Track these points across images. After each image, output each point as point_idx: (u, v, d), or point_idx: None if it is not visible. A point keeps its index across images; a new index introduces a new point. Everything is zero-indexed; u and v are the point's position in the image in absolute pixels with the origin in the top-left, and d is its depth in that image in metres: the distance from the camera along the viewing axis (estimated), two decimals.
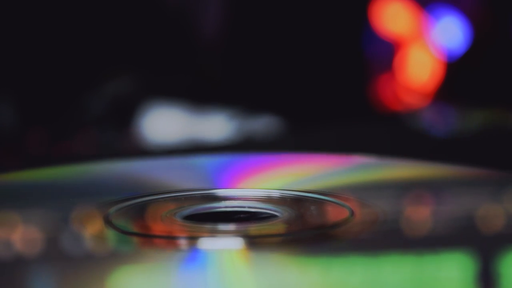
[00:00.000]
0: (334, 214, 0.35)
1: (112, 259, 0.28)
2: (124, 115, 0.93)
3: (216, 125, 0.90)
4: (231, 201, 0.37)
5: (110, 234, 0.31)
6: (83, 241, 0.30)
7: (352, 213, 0.34)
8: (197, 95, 0.96)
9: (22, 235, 0.30)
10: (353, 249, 0.28)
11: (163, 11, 1.02)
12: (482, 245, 0.28)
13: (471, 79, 1.03)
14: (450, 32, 1.05)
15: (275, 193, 0.38)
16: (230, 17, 1.03)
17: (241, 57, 1.02)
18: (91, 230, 0.31)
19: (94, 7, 0.98)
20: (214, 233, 0.33)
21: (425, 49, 1.05)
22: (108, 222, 0.34)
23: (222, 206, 0.37)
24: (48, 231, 0.30)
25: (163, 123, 0.91)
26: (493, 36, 1.04)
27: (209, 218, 0.36)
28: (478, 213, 0.32)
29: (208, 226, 0.33)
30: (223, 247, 0.31)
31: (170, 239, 0.32)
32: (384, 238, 0.30)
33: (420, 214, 0.33)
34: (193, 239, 0.32)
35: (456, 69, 1.05)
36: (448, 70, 1.05)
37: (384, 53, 1.04)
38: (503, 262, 0.26)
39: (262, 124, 0.90)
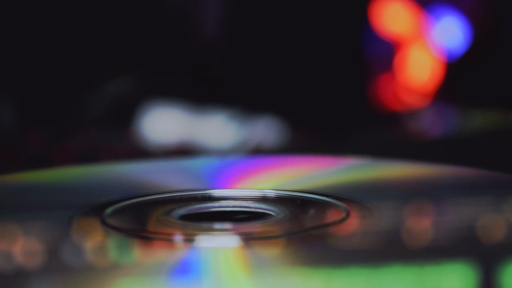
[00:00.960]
0: (330, 213, 0.35)
1: (112, 270, 0.28)
2: (124, 115, 0.93)
3: (216, 126, 0.90)
4: (226, 201, 0.37)
5: (110, 243, 0.31)
6: (84, 252, 0.29)
7: (348, 213, 0.34)
8: (197, 95, 0.96)
9: (22, 245, 0.30)
10: (353, 259, 0.28)
11: (163, 11, 1.02)
12: (484, 255, 0.28)
13: (471, 79, 1.03)
14: (450, 32, 1.05)
15: (271, 193, 0.38)
16: (230, 17, 1.03)
17: (241, 57, 1.02)
18: (91, 240, 0.31)
19: (94, 7, 0.98)
20: (209, 231, 0.33)
21: (425, 49, 1.05)
22: (104, 223, 0.34)
23: (218, 206, 0.37)
24: (48, 241, 0.30)
25: (163, 123, 0.91)
26: (493, 36, 1.04)
27: (205, 218, 0.36)
28: (479, 223, 0.31)
29: (204, 225, 0.34)
30: (219, 245, 0.31)
31: (165, 239, 0.32)
32: (385, 247, 0.29)
33: (420, 224, 0.33)
34: (188, 238, 0.32)
35: (456, 69, 1.05)
36: (448, 70, 1.05)
37: (384, 53, 1.04)
38: (504, 273, 0.26)
39: (262, 124, 0.90)
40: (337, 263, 0.28)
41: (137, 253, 0.30)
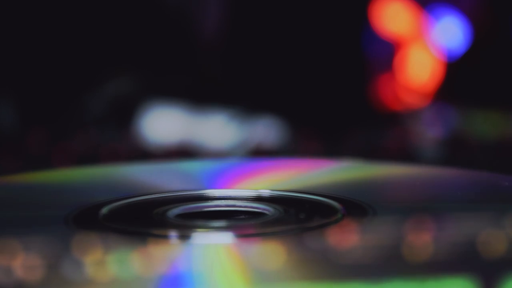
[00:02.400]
0: (324, 213, 0.35)
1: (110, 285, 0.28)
2: (124, 115, 0.93)
3: (216, 126, 0.90)
4: (221, 201, 0.37)
5: (109, 257, 0.31)
6: (84, 266, 0.29)
7: (342, 213, 0.34)
8: (197, 95, 0.96)
9: (21, 259, 0.30)
10: (353, 274, 0.28)
11: (163, 11, 1.02)
12: (485, 270, 0.28)
13: (471, 79, 1.03)
14: (450, 32, 1.04)
15: (265, 193, 0.38)
16: (230, 17, 1.03)
17: (241, 57, 1.02)
18: (91, 255, 0.31)
19: (94, 7, 0.98)
20: (204, 229, 0.33)
21: (425, 49, 1.05)
22: (101, 222, 0.34)
23: (213, 205, 0.37)
24: (47, 255, 0.30)
25: (163, 123, 0.91)
26: (493, 36, 1.04)
27: (200, 217, 0.36)
28: (480, 238, 0.31)
29: (199, 223, 0.34)
30: (213, 242, 0.31)
31: (161, 236, 0.33)
32: (384, 261, 0.29)
33: (420, 237, 0.33)
34: (184, 235, 0.32)
35: (456, 69, 1.04)
36: (448, 70, 1.05)
37: (384, 53, 1.04)
38: None
39: (262, 124, 0.90)
40: (336, 276, 0.27)
41: (133, 256, 0.30)
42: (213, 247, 0.31)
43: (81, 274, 0.28)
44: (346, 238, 0.32)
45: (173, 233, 0.33)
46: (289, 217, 0.34)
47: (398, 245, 0.30)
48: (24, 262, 0.28)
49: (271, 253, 0.30)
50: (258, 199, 0.37)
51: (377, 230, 0.33)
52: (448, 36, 1.05)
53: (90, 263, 0.29)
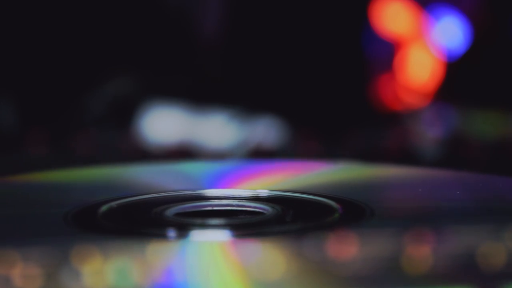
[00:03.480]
0: (322, 212, 0.35)
1: None
2: (124, 115, 0.93)
3: (216, 126, 0.90)
4: (219, 200, 0.38)
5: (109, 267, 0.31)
6: (82, 276, 0.29)
7: (340, 212, 0.34)
8: (197, 95, 0.96)
9: (20, 269, 0.29)
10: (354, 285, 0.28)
11: (163, 11, 1.02)
12: (483, 282, 0.28)
13: (471, 79, 1.03)
14: (450, 32, 1.04)
15: (263, 193, 0.38)
16: (229, 17, 1.03)
17: (241, 57, 1.02)
18: (90, 265, 0.31)
19: (93, 7, 0.98)
20: (202, 226, 0.33)
21: (425, 49, 1.05)
22: (99, 220, 0.34)
23: (211, 205, 0.37)
24: (47, 265, 0.30)
25: (163, 123, 0.91)
26: (493, 36, 1.04)
27: (198, 215, 0.36)
28: (480, 250, 0.31)
29: (196, 221, 0.34)
30: (211, 239, 0.31)
31: (159, 234, 0.33)
32: (383, 274, 0.29)
33: (419, 251, 0.32)
34: (181, 233, 0.32)
35: (456, 69, 1.04)
36: (448, 70, 1.05)
37: (384, 53, 1.04)
38: None
39: (262, 124, 0.90)
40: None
41: (131, 261, 0.30)
42: (208, 244, 0.31)
43: (79, 283, 0.28)
44: (343, 246, 0.32)
45: (171, 231, 0.33)
46: (277, 217, 0.34)
47: (396, 256, 0.30)
48: (22, 271, 0.28)
49: (264, 252, 0.30)
50: (256, 199, 0.37)
51: (374, 240, 0.32)
52: (448, 36, 1.05)
53: (88, 272, 0.29)
